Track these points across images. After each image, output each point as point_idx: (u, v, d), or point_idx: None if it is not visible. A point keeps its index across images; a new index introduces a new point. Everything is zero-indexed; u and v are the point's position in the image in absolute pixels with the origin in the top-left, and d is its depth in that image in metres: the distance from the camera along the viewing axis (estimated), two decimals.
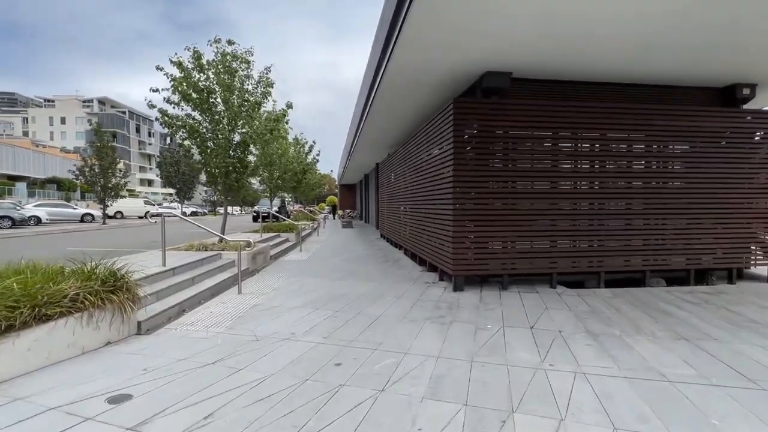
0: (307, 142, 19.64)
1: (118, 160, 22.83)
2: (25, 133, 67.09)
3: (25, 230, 17.22)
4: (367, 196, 24.77)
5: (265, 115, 9.19)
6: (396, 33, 4.56)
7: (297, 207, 27.82)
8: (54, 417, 2.32)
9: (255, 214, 24.95)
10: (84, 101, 74.96)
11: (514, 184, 5.75)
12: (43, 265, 3.81)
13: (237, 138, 8.57)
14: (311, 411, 2.40)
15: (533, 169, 5.78)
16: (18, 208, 20.42)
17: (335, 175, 42.04)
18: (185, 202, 37.86)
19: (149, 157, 75.06)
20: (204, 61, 7.98)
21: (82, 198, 38.33)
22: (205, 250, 7.25)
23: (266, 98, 8.72)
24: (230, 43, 8.20)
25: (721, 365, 3.13)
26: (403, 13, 4.11)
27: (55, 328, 3.12)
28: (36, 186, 38.82)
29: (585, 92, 6.27)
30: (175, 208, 35.92)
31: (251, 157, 9.25)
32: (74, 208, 24.63)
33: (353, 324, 4.19)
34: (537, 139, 5.79)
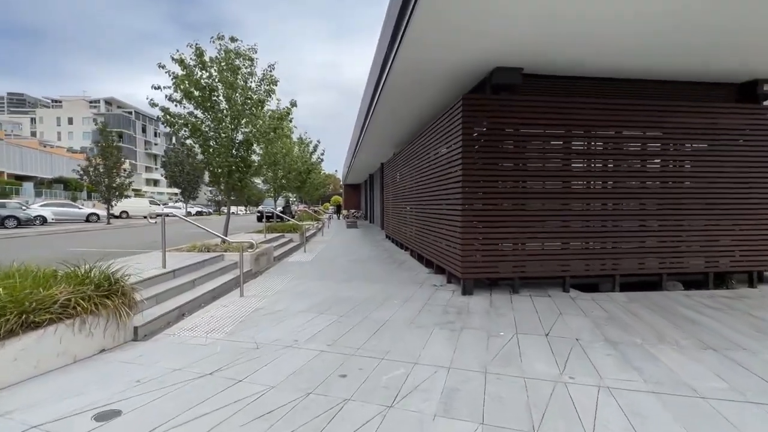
0: (311, 142, 19.46)
1: (123, 159, 22.83)
2: (33, 134, 67.75)
3: (29, 230, 17.23)
4: (372, 195, 24.56)
5: (269, 113, 9.00)
6: (404, 23, 4.36)
7: (302, 207, 27.66)
8: None
9: (259, 214, 24.82)
10: (91, 101, 75.62)
11: (525, 183, 5.52)
12: (35, 269, 3.65)
13: (240, 137, 8.40)
14: (314, 431, 2.22)
15: (544, 168, 5.54)
16: (24, 207, 20.49)
17: (340, 175, 41.89)
18: (190, 201, 37.89)
19: (155, 157, 75.37)
20: (206, 58, 7.82)
21: (89, 198, 38.52)
22: (208, 251, 7.08)
23: (270, 96, 8.52)
24: (233, 39, 8.02)
25: (754, 378, 2.91)
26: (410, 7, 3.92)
27: (44, 335, 2.95)
28: (43, 186, 39.12)
29: (597, 88, 6.02)
30: (180, 208, 35.95)
31: (255, 157, 9.07)
32: (80, 208, 24.68)
33: (359, 330, 4.00)
34: (548, 137, 5.56)
